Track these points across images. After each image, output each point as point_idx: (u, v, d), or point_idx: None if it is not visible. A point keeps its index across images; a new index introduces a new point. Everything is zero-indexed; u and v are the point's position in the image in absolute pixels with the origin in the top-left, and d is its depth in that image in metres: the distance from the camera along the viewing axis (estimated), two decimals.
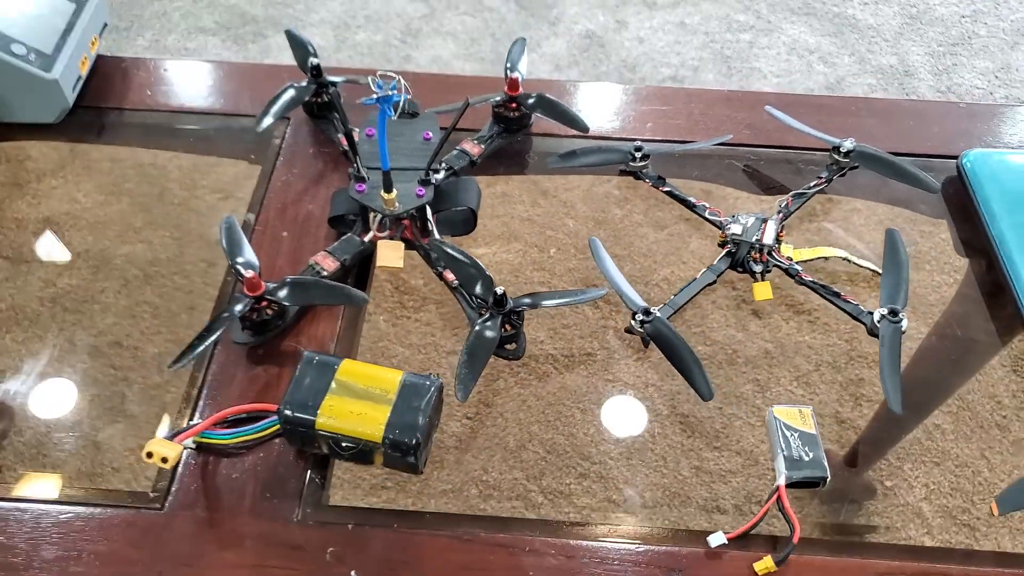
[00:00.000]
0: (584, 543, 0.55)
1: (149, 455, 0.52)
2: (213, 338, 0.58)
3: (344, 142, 0.72)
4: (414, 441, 0.53)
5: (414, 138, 0.70)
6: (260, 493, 0.56)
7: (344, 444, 0.54)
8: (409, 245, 0.68)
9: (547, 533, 0.56)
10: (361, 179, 0.65)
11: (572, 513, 0.57)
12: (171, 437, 0.54)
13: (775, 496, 0.55)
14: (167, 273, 0.69)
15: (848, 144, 0.73)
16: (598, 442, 0.60)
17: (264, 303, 0.61)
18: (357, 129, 0.71)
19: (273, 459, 0.58)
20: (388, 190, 0.62)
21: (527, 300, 0.61)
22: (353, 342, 0.65)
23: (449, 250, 0.64)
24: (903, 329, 0.61)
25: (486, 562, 0.54)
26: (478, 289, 0.62)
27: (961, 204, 0.75)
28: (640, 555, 0.54)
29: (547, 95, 0.76)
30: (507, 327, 0.61)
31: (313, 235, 0.71)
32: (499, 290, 0.59)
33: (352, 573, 0.53)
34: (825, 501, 0.58)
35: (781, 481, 0.55)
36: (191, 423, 0.58)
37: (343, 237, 0.67)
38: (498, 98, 0.76)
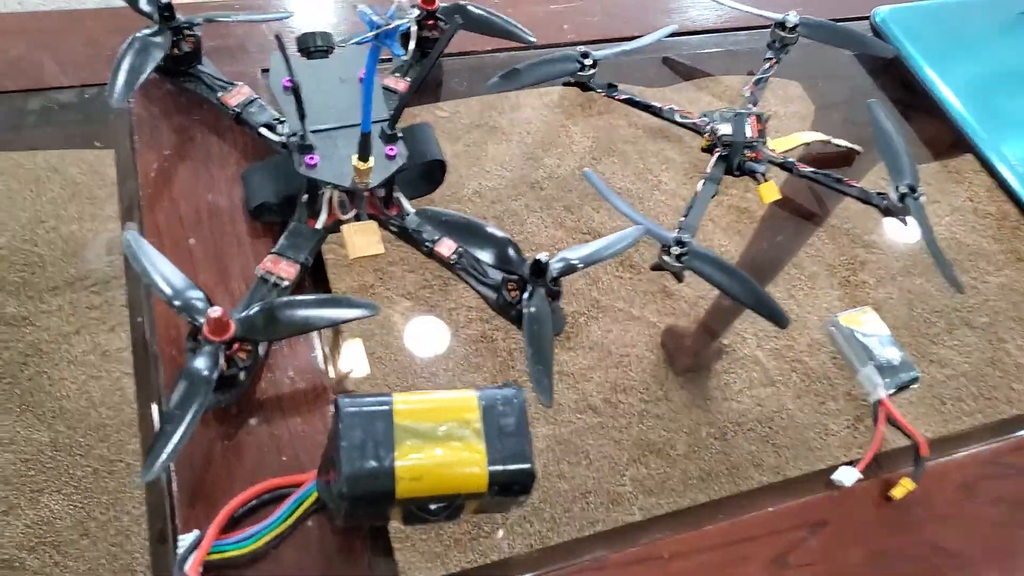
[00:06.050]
0: (718, 526, 0.47)
1: None
2: (192, 418, 0.40)
3: (232, 100, 0.53)
4: (530, 469, 0.41)
5: (341, 82, 0.52)
6: None
7: (433, 507, 0.41)
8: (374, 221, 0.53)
9: (676, 527, 0.47)
10: (308, 148, 0.48)
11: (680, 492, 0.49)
12: None
13: (883, 412, 0.51)
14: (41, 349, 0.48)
15: (792, 18, 0.68)
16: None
17: (236, 346, 0.43)
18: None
19: (315, 545, 0.42)
20: (364, 157, 0.46)
21: (561, 263, 0.49)
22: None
23: (444, 217, 0.50)
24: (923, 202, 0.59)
25: None
26: (490, 258, 0.49)
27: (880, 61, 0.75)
28: (777, 517, 0.48)
29: (470, 5, 0.61)
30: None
31: (231, 235, 0.52)
32: (543, 256, 0.47)
33: None
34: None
35: (882, 394, 0.51)
36: (182, 548, 0.40)
37: (288, 229, 0.50)
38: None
